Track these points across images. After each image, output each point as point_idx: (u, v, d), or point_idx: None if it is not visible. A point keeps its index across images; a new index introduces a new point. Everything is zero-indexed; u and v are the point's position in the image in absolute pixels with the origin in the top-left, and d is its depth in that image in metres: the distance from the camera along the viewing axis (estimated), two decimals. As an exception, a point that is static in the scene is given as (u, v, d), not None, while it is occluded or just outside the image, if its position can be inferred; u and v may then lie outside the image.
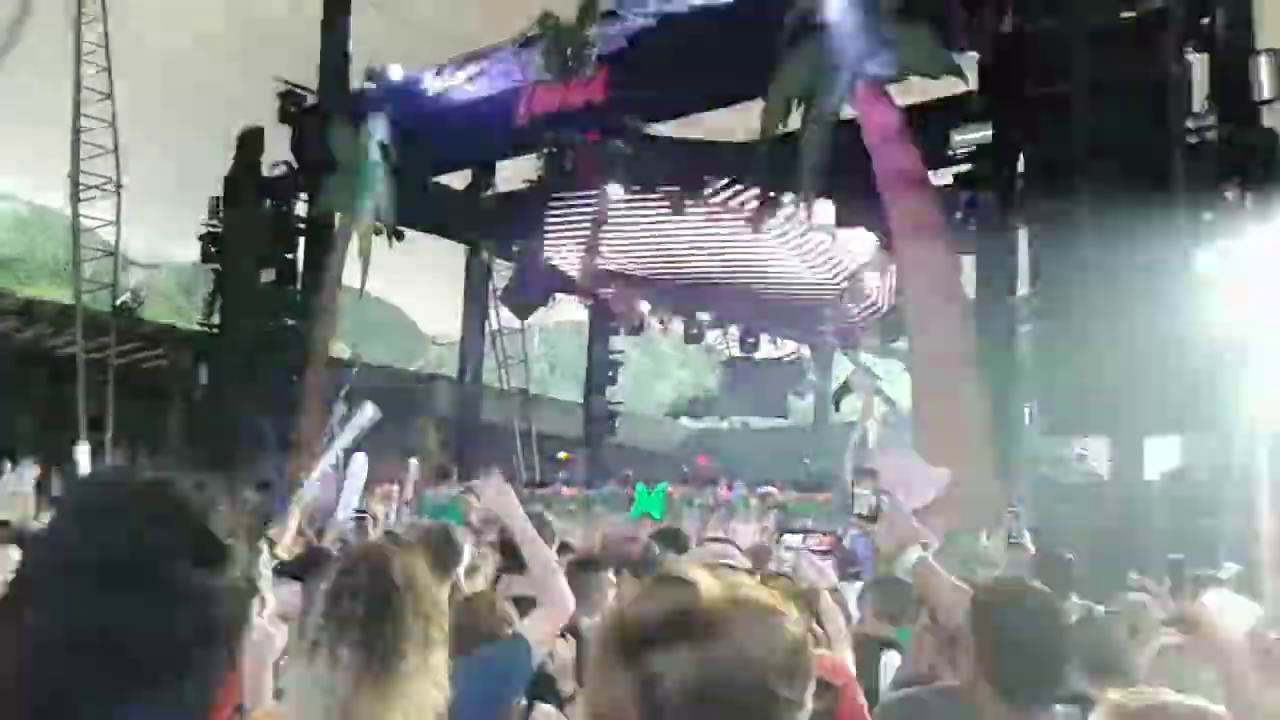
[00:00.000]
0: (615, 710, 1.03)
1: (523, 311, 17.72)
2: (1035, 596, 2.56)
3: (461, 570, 4.41)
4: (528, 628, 3.05)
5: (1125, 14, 8.95)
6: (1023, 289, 9.92)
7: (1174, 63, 8.76)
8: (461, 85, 14.67)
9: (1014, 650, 2.38)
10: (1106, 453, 9.21)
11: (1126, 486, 8.65)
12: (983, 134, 10.21)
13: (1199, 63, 8.96)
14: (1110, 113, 8.62)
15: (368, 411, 4.69)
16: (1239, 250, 8.43)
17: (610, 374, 19.03)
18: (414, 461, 4.77)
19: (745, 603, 1.05)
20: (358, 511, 4.67)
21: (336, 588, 1.91)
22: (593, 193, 14.83)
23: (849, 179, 10.91)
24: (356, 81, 15.79)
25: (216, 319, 16.34)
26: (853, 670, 3.46)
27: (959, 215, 10.89)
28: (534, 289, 17.34)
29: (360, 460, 4.38)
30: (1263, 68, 8.61)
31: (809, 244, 15.01)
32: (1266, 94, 8.60)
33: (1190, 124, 8.70)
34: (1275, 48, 8.65)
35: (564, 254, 16.92)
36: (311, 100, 15.97)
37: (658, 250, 16.55)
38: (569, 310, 18.79)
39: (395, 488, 5.30)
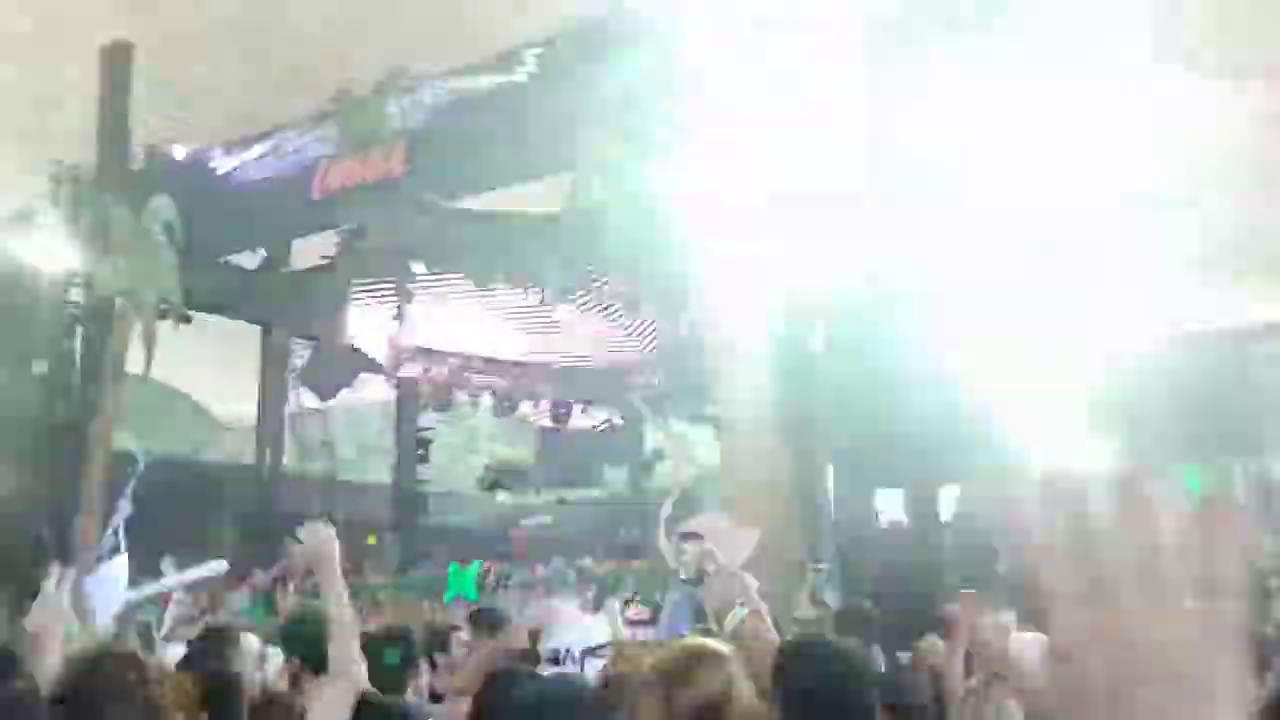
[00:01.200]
0: None
1: (325, 393, 17.09)
2: (836, 649, 2.57)
3: (259, 671, 4.13)
4: (321, 712, 2.94)
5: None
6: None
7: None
8: (251, 162, 14.21)
9: (816, 703, 2.36)
10: (902, 504, 9.57)
11: (920, 536, 9.01)
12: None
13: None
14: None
15: (216, 567, 4.51)
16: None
17: (421, 452, 18.55)
18: (167, 560, 4.48)
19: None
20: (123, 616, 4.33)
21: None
22: (393, 269, 14.56)
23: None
24: (136, 161, 15.06)
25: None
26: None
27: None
28: (336, 369, 16.80)
29: (119, 564, 4.05)
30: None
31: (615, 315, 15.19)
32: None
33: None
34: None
35: (367, 333, 16.50)
36: (86, 181, 15.10)
37: (465, 325, 16.38)
38: (374, 390, 18.24)
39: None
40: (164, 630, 5.15)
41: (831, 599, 5.65)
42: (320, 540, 2.90)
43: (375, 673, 3.52)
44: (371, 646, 3.72)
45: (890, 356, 8.75)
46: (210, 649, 3.57)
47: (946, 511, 9.04)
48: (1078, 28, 8.99)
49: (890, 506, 9.28)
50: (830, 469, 9.93)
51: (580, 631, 3.33)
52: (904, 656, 4.18)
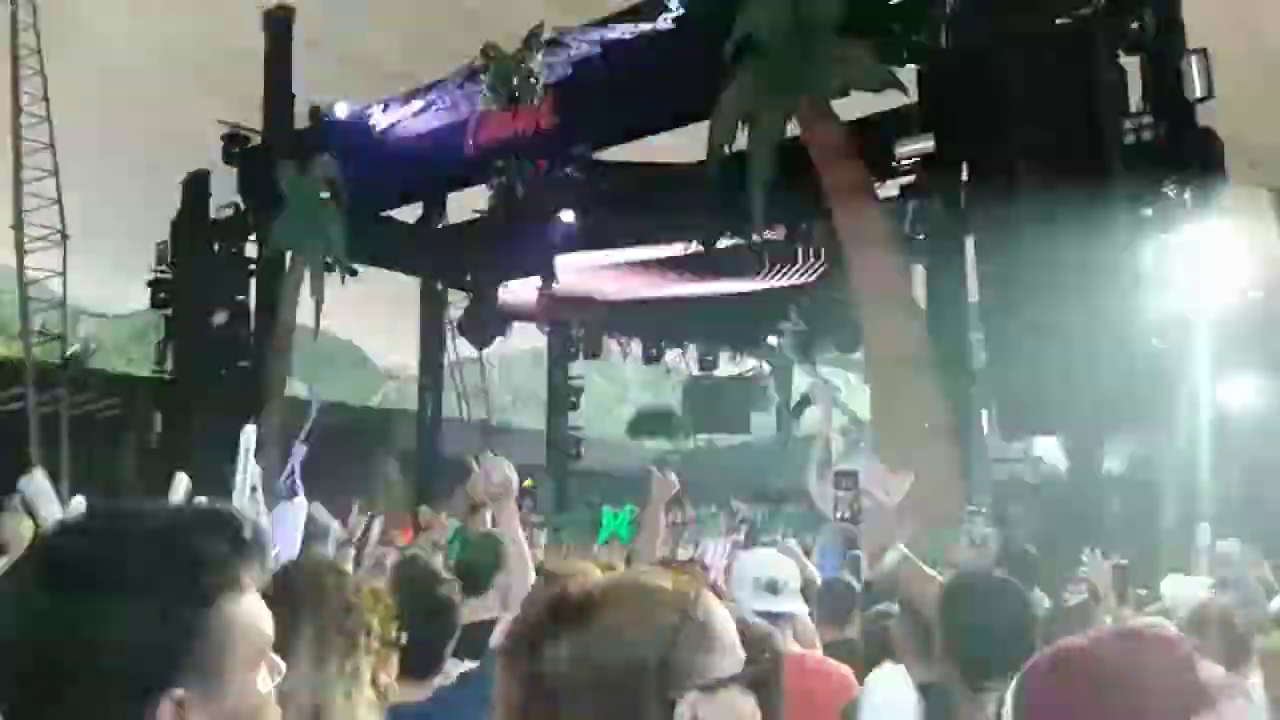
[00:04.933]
0: (516, 713, 1.05)
1: (480, 342, 17.64)
2: (1003, 584, 2.59)
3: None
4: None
5: (1058, 20, 9.16)
6: (973, 294, 10.06)
7: (1107, 66, 8.98)
8: (408, 119, 14.67)
9: (982, 636, 2.40)
10: (1061, 452, 9.33)
11: (1083, 483, 8.76)
12: (926, 145, 10.38)
13: (1133, 65, 9.19)
14: (1049, 118, 8.80)
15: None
16: (1178, 246, 8.63)
17: (572, 399, 18.98)
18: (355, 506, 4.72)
19: (620, 586, 1.08)
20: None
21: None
22: (544, 220, 14.84)
23: (797, 196, 11.06)
24: (301, 120, 15.74)
25: (169, 365, 16.14)
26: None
27: (907, 225, 11.07)
28: (490, 318, 17.29)
29: (298, 506, 4.30)
30: (1194, 67, 8.83)
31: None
32: (1198, 92, 8.83)
33: (1128, 124, 8.90)
34: (1203, 47, 8.88)
35: (519, 282, 16.89)
36: (256, 141, 15.89)
37: (614, 272, 16.55)
38: (527, 338, 18.73)
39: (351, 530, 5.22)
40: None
41: (989, 543, 5.61)
42: (503, 475, 2.94)
43: None
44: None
45: (1051, 295, 8.46)
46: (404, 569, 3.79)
47: (1111, 462, 8.77)
48: None
49: (1048, 453, 9.06)
50: (985, 413, 9.75)
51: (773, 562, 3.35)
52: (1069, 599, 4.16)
